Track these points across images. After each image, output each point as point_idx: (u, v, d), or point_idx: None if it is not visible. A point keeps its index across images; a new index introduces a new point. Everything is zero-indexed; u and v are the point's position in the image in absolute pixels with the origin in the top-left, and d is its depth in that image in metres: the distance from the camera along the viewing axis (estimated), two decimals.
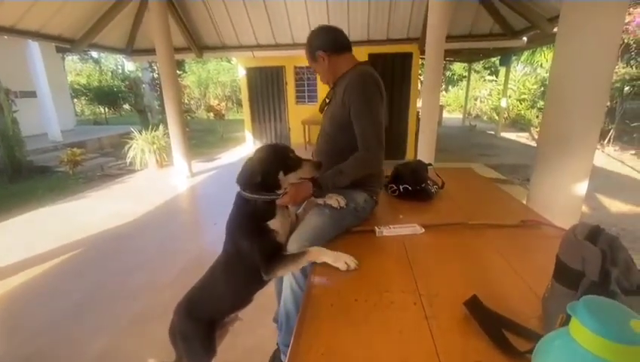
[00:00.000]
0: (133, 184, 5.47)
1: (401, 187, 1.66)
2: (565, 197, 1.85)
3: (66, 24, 5.10)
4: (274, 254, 1.10)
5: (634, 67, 7.12)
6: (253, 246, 1.12)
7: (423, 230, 1.28)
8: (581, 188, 1.83)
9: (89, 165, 6.43)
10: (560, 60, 1.85)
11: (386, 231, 1.27)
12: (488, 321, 0.78)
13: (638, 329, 0.39)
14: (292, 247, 1.14)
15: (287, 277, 1.18)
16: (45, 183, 5.43)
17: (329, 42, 1.39)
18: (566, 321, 0.47)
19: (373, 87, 1.29)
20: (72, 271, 2.77)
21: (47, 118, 8.05)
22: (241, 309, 1.29)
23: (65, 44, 5.48)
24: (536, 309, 0.83)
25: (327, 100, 1.46)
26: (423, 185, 1.67)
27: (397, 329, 0.78)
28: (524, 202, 2.03)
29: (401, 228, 1.28)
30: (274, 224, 1.14)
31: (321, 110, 1.50)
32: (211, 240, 3.27)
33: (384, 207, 1.54)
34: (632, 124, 7.30)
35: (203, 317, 1.24)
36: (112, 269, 2.78)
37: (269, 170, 1.14)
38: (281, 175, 1.17)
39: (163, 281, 2.51)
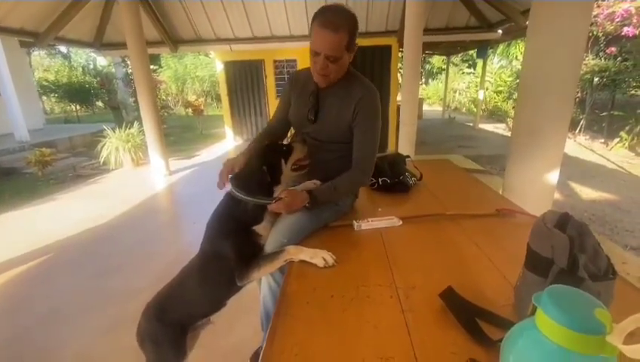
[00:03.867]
0: (108, 184, 5.26)
1: (379, 180, 1.65)
2: (538, 186, 1.90)
3: (28, 16, 4.80)
4: (252, 258, 1.07)
5: (603, 59, 7.40)
6: (233, 248, 1.08)
7: (401, 222, 1.28)
8: (553, 176, 1.89)
9: (60, 165, 6.12)
10: (531, 54, 1.89)
11: (364, 224, 1.25)
12: (463, 312, 0.78)
13: (602, 318, 0.39)
14: (269, 245, 1.12)
15: (265, 276, 1.15)
16: (12, 186, 5.14)
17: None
18: (533, 310, 0.46)
19: (379, 111, 1.27)
20: (42, 278, 2.63)
21: (13, 117, 7.60)
22: (213, 314, 1.25)
23: (28, 37, 5.17)
24: (510, 297, 0.84)
25: (313, 107, 1.29)
26: (401, 178, 1.67)
27: (372, 324, 0.77)
28: (501, 192, 2.08)
29: (379, 221, 1.27)
30: (260, 229, 1.13)
31: (308, 118, 1.31)
32: (190, 241, 3.18)
33: (362, 201, 1.53)
34: (602, 114, 7.62)
35: (173, 320, 1.20)
36: (84, 275, 2.66)
37: (273, 165, 1.17)
38: (283, 164, 1.20)
39: (138, 286, 2.41)
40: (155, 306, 1.23)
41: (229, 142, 8.53)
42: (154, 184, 5.17)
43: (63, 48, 15.62)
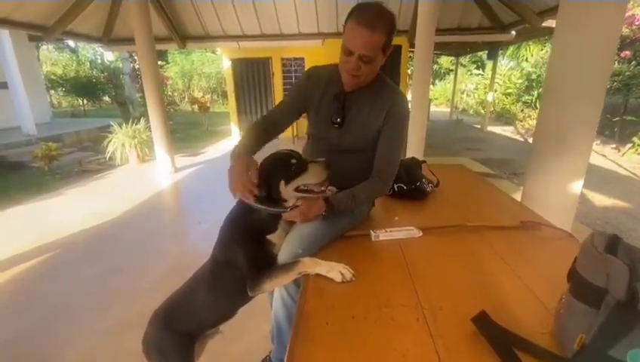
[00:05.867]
0: (113, 180, 5.24)
1: (395, 186, 1.58)
2: (561, 196, 1.82)
3: (37, 11, 4.78)
4: (264, 267, 1.01)
5: (617, 62, 7.24)
6: (245, 256, 1.02)
7: (421, 233, 1.21)
8: (577, 186, 1.81)
9: (66, 160, 6.12)
10: (557, 54, 1.80)
11: (382, 235, 1.19)
12: (498, 339, 0.71)
13: None
14: (283, 255, 1.05)
15: (278, 288, 1.09)
16: (19, 180, 5.13)
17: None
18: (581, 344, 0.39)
19: (408, 119, 1.23)
20: (47, 275, 2.60)
21: (21, 111, 7.62)
22: (222, 323, 1.19)
23: (36, 31, 5.16)
24: (547, 324, 0.77)
25: (338, 111, 1.20)
26: (418, 184, 1.60)
27: (400, 352, 0.70)
28: (518, 199, 2.00)
29: (398, 232, 1.20)
30: (274, 237, 1.06)
31: (335, 123, 1.21)
32: (195, 241, 3.14)
33: (378, 208, 1.46)
34: (614, 119, 7.46)
35: (181, 329, 1.15)
36: (89, 272, 2.62)
37: (270, 181, 1.04)
38: (282, 185, 1.05)
39: (142, 286, 2.38)
40: (164, 314, 1.17)
41: (234, 140, 8.48)
42: (159, 181, 5.14)
43: (70, 43, 15.65)
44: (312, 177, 1.07)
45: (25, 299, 2.32)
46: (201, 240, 3.10)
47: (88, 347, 1.87)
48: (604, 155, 6.76)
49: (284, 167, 1.06)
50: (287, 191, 1.06)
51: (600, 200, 4.41)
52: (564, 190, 1.81)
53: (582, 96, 1.71)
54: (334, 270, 0.95)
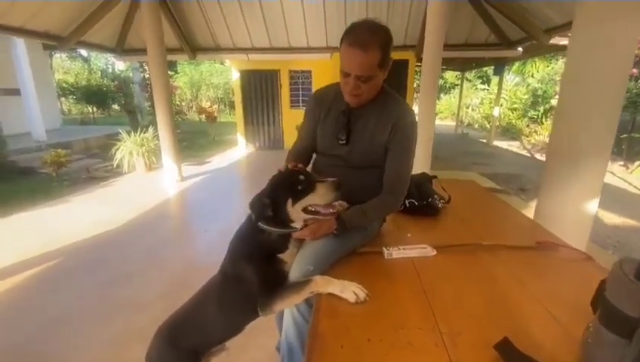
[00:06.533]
0: (120, 188, 5.27)
1: (407, 202, 1.56)
2: (575, 215, 1.79)
3: (53, 21, 4.90)
4: (276, 287, 0.99)
5: None
6: (256, 275, 1.01)
7: (435, 252, 1.19)
8: (592, 206, 1.77)
9: (74, 167, 6.18)
10: (571, 72, 1.80)
11: (395, 252, 1.16)
12: None
13: None
14: (294, 273, 1.03)
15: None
16: (27, 185, 5.18)
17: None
18: None
19: (416, 133, 1.20)
20: (51, 283, 2.58)
21: (32, 117, 7.75)
22: (229, 340, 1.16)
23: (51, 41, 5.27)
24: (571, 351, 0.74)
25: (344, 128, 1.19)
26: (430, 200, 1.58)
27: None
28: (528, 215, 1.96)
29: (411, 250, 1.18)
30: (285, 256, 1.04)
31: (338, 139, 1.20)
32: (201, 251, 3.12)
33: (389, 224, 1.44)
34: (621, 136, 7.41)
35: (187, 346, 1.12)
36: (92, 281, 2.61)
37: (277, 201, 1.01)
38: (289, 204, 1.02)
39: (146, 297, 2.35)
40: (169, 329, 1.15)
41: (240, 150, 8.54)
42: (166, 189, 5.16)
43: (83, 52, 16.01)
44: (320, 198, 1.03)
45: (27, 307, 2.30)
46: (206, 250, 3.08)
47: (90, 358, 1.84)
48: (613, 173, 6.68)
49: (292, 185, 1.03)
50: (294, 211, 1.03)
51: (610, 218, 4.34)
52: (578, 210, 1.78)
53: (596, 116, 1.70)
54: (348, 290, 0.92)
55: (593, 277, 0.87)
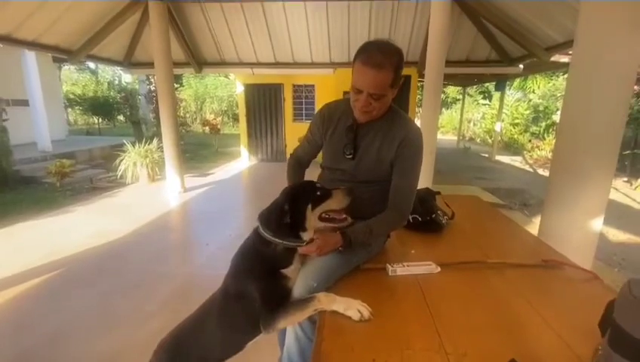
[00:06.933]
0: (123, 198, 5.28)
1: (410, 217, 1.55)
2: (580, 233, 1.77)
3: (64, 35, 5.03)
4: (279, 304, 0.98)
5: None
6: (259, 291, 1.00)
7: (439, 269, 1.18)
8: (597, 223, 1.76)
9: (78, 177, 6.22)
10: (573, 87, 1.81)
11: (400, 269, 1.15)
12: None
13: None
14: (298, 289, 1.02)
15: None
16: (30, 195, 5.21)
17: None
18: None
19: (422, 151, 1.22)
20: (51, 295, 2.56)
21: (38, 127, 7.85)
22: (230, 357, 1.15)
23: (62, 54, 5.40)
24: None
25: (350, 143, 1.21)
26: (434, 216, 1.57)
27: None
28: (531, 231, 1.95)
29: (415, 267, 1.17)
30: (289, 271, 1.04)
31: (345, 154, 1.23)
32: (202, 263, 3.10)
33: (393, 240, 1.43)
34: (624, 152, 7.41)
35: None
36: (93, 293, 2.58)
37: (298, 206, 1.05)
38: (308, 210, 1.06)
39: (147, 310, 2.32)
40: (169, 346, 1.13)
41: (243, 162, 8.59)
42: (168, 200, 5.16)
43: (91, 64, 16.36)
44: (336, 203, 1.10)
45: (27, 319, 2.27)
46: (207, 263, 3.06)
47: None
48: (616, 188, 6.66)
49: (311, 192, 1.10)
50: (312, 217, 1.07)
51: (614, 234, 4.30)
52: (583, 227, 1.76)
53: (600, 132, 1.70)
54: (352, 308, 0.91)
55: (600, 298, 0.86)
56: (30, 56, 7.57)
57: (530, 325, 0.92)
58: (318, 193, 1.09)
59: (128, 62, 6.58)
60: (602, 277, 1.17)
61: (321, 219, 1.09)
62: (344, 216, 1.12)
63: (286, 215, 1.03)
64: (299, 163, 1.43)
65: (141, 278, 2.81)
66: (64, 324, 2.21)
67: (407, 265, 1.17)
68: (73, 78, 18.51)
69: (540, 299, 1.03)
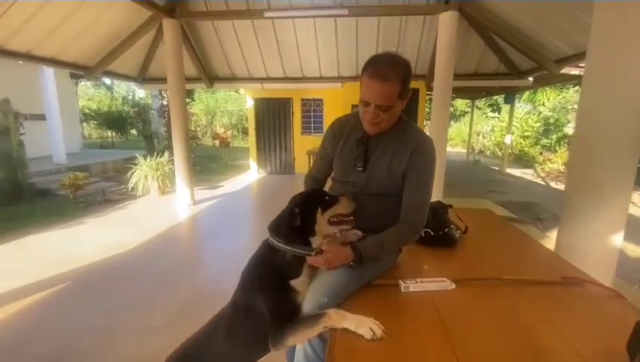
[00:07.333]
0: (133, 211, 5.34)
1: (422, 232, 1.52)
2: (599, 249, 1.70)
3: (81, 52, 5.23)
4: (288, 319, 0.96)
5: None
6: (268, 304, 0.98)
7: (454, 285, 1.14)
8: (617, 239, 1.69)
9: (91, 189, 6.33)
10: (588, 98, 1.78)
11: (413, 286, 1.12)
12: None
13: None
14: (307, 305, 1.00)
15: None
16: (44, 207, 5.31)
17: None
18: None
19: (435, 162, 1.21)
20: (58, 307, 2.56)
21: (54, 141, 8.09)
22: None
23: (79, 70, 5.60)
24: None
25: (361, 155, 1.21)
26: (447, 230, 1.54)
27: None
28: (546, 246, 1.89)
29: (429, 283, 1.13)
30: (298, 284, 1.02)
31: (356, 167, 1.22)
32: (209, 278, 3.08)
33: (405, 255, 1.40)
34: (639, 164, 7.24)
35: None
36: (100, 306, 2.57)
37: (308, 210, 1.08)
38: (318, 213, 1.09)
39: (153, 325, 2.29)
40: (177, 361, 1.11)
41: (252, 175, 8.65)
42: (178, 213, 5.20)
43: (107, 80, 16.91)
44: (343, 208, 1.14)
45: (35, 331, 2.27)
46: (215, 278, 3.04)
47: None
48: (633, 202, 6.46)
49: (321, 197, 1.15)
50: (322, 220, 1.10)
51: (633, 250, 4.15)
52: (603, 242, 1.70)
53: (616, 145, 1.66)
54: (364, 326, 0.88)
55: (626, 318, 0.82)
56: (48, 72, 7.87)
57: (551, 345, 0.87)
58: (327, 198, 1.14)
59: (142, 77, 6.77)
60: (623, 294, 1.12)
61: (329, 222, 1.12)
62: (351, 217, 1.15)
63: (296, 218, 1.06)
64: (315, 181, 1.41)
65: (148, 292, 2.80)
66: (71, 337, 2.20)
67: (421, 281, 1.14)
68: (89, 94, 19.13)
69: (561, 318, 0.99)
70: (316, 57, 6.31)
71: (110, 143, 14.16)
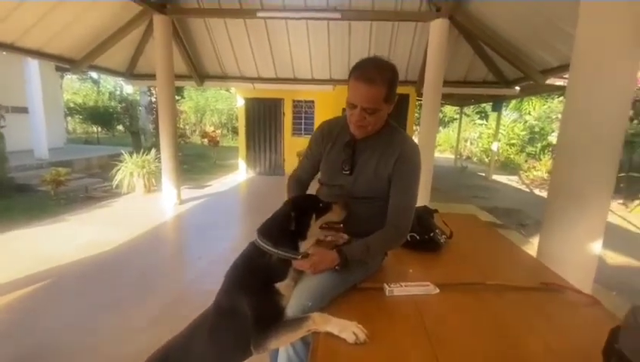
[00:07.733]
0: (117, 209, 5.22)
1: (408, 236, 1.53)
2: (579, 255, 1.75)
3: (68, 45, 5.09)
4: (272, 322, 0.95)
5: None
6: (251, 306, 0.97)
7: (438, 290, 1.15)
8: (595, 245, 1.75)
9: (73, 185, 6.15)
10: (570, 112, 1.84)
11: (397, 289, 1.13)
12: None
13: None
14: (291, 308, 0.99)
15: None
16: (23, 203, 5.13)
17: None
18: None
19: (420, 167, 1.21)
20: (37, 306, 2.48)
21: (36, 135, 7.84)
22: None
23: (65, 63, 5.44)
24: None
25: (348, 159, 1.21)
26: (432, 235, 1.55)
27: None
28: (528, 251, 1.93)
29: (413, 287, 1.14)
30: (283, 287, 1.01)
31: (342, 170, 1.22)
32: (194, 278, 3.03)
33: (390, 259, 1.40)
34: (619, 174, 7.48)
35: None
36: (81, 306, 2.50)
37: (303, 215, 1.09)
38: (313, 218, 1.11)
39: (134, 325, 2.24)
40: None
41: (241, 174, 8.57)
42: (163, 212, 5.11)
43: (94, 74, 16.51)
44: (335, 215, 1.16)
45: (12, 331, 2.18)
46: (199, 278, 2.99)
47: None
48: (612, 211, 6.68)
49: (316, 203, 1.16)
50: (315, 226, 1.12)
51: (612, 257, 4.28)
52: (582, 249, 1.75)
53: (598, 154, 1.71)
54: (347, 330, 0.88)
55: (603, 323, 0.84)
56: (33, 65, 7.64)
57: (533, 352, 0.88)
58: (321, 205, 1.15)
59: (130, 73, 6.64)
60: (601, 300, 1.15)
61: (321, 228, 1.14)
62: (341, 225, 1.17)
63: (292, 222, 1.06)
64: (299, 183, 1.40)
65: (131, 291, 2.73)
66: (50, 337, 2.12)
67: (405, 285, 1.15)
68: (75, 87, 18.62)
69: (541, 324, 1.01)
70: (308, 59, 6.32)
71: (95, 139, 13.82)
